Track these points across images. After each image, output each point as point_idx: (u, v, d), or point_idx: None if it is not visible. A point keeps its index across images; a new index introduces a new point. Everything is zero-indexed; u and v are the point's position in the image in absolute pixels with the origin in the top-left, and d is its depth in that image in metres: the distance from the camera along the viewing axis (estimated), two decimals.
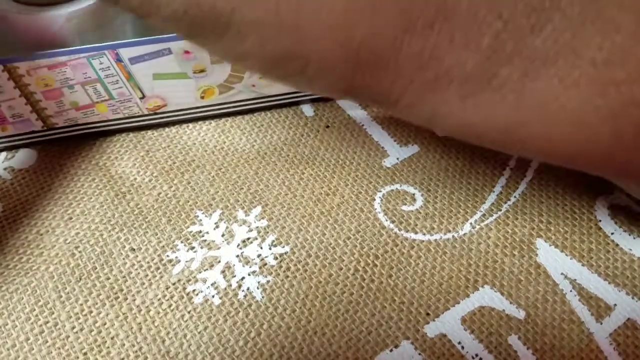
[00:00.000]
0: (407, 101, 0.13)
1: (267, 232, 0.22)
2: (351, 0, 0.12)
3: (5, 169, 0.24)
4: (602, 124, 0.13)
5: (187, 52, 0.22)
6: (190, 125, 0.26)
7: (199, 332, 0.19)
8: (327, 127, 0.26)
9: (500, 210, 0.22)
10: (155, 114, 0.25)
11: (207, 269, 0.21)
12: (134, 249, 0.22)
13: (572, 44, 0.12)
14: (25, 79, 0.22)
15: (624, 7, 0.12)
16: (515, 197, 0.23)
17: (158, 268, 0.21)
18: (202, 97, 0.25)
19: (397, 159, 0.24)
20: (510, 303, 0.20)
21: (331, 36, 0.12)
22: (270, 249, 0.21)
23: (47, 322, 0.20)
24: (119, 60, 0.22)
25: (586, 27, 0.12)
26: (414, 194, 0.23)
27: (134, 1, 0.13)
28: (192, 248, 0.22)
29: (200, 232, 0.22)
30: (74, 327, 0.20)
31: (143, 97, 0.24)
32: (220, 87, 0.24)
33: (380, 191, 0.23)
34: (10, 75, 0.22)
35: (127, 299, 0.20)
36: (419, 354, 0.19)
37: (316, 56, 0.12)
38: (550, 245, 0.21)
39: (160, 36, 0.22)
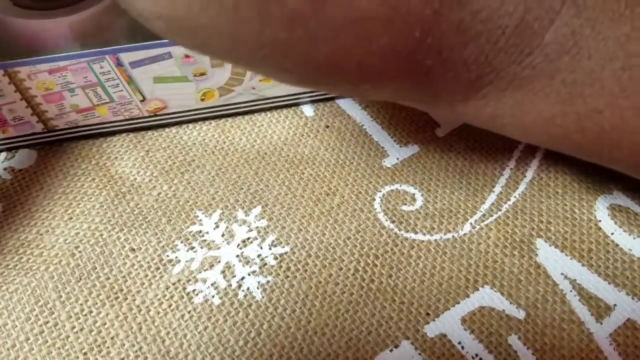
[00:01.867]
0: (410, 103, 0.18)
1: (267, 232, 0.22)
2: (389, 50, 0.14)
3: (5, 169, 0.24)
4: (568, 124, 0.16)
5: (187, 56, 0.22)
6: (190, 125, 0.26)
7: (199, 332, 0.19)
8: (327, 127, 0.26)
9: (500, 210, 0.22)
10: (156, 115, 0.25)
11: (207, 269, 0.21)
12: (134, 249, 0.22)
13: (547, 69, 0.15)
14: (26, 83, 0.22)
15: (599, 36, 0.15)
16: (515, 197, 0.23)
17: (158, 268, 0.21)
18: (203, 100, 0.25)
19: (397, 159, 0.24)
20: (510, 303, 0.20)
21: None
22: (270, 249, 0.21)
23: (47, 322, 0.20)
24: (119, 64, 0.22)
25: (561, 56, 0.15)
26: (414, 194, 0.23)
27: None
28: (192, 248, 0.22)
29: (200, 232, 0.22)
30: (74, 327, 0.20)
31: (143, 99, 0.24)
32: (220, 89, 0.24)
33: (380, 191, 0.23)
34: (11, 79, 0.22)
35: (127, 299, 0.20)
36: (419, 354, 0.19)
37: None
38: (550, 245, 0.21)
39: (160, 41, 0.22)
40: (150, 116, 0.25)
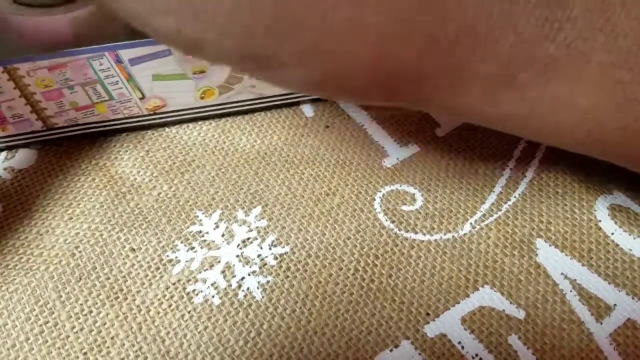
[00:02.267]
0: (437, 102, 0.16)
1: (267, 232, 0.22)
2: (383, 32, 0.13)
3: (5, 169, 0.24)
4: (607, 117, 0.15)
5: None
6: (190, 125, 0.26)
7: (199, 332, 0.19)
8: (327, 127, 0.26)
9: (500, 210, 0.22)
10: (155, 114, 0.25)
11: (207, 269, 0.21)
12: (134, 249, 0.22)
13: (582, 48, 0.14)
14: (25, 79, 0.22)
15: (630, 14, 0.14)
16: (515, 197, 0.23)
17: (158, 268, 0.21)
18: (202, 98, 0.25)
19: (397, 159, 0.24)
20: (510, 303, 0.20)
21: (364, 63, 0.14)
22: (270, 249, 0.21)
23: (47, 322, 0.20)
24: (119, 61, 0.22)
25: (595, 34, 0.14)
26: (414, 194, 0.23)
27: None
28: (192, 248, 0.22)
29: (200, 232, 0.22)
30: (74, 327, 0.20)
31: (143, 97, 0.24)
32: (220, 87, 0.24)
33: (380, 191, 0.23)
34: (11, 76, 0.22)
35: (127, 299, 0.20)
36: (419, 354, 0.19)
37: (350, 80, 0.14)
38: (550, 245, 0.21)
39: None
40: (149, 115, 0.25)
